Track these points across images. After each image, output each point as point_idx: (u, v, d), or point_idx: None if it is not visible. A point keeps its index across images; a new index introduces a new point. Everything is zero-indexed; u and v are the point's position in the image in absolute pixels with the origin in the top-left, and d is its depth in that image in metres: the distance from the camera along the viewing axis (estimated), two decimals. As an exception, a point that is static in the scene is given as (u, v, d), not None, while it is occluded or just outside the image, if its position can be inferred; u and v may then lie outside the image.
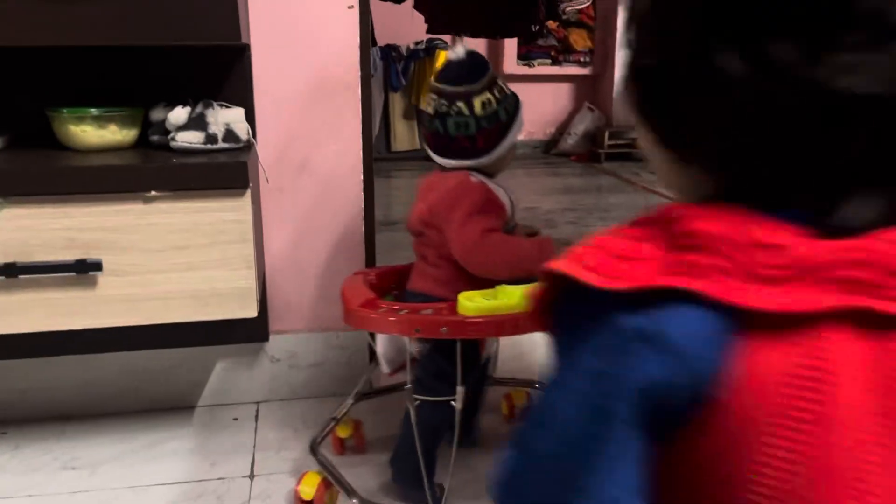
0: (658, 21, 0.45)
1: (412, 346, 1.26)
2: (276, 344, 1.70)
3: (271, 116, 1.58)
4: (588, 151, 5.60)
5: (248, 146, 1.40)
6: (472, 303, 1.14)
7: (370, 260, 1.76)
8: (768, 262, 0.40)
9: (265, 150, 1.59)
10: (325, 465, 1.38)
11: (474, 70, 1.31)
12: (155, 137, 1.35)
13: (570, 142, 5.68)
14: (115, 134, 1.34)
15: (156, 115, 1.37)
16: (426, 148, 1.38)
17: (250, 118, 1.51)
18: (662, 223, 0.43)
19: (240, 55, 1.48)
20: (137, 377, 1.65)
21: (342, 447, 1.53)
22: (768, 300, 0.39)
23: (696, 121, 0.43)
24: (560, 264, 0.43)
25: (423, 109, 1.38)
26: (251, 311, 1.32)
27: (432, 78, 1.35)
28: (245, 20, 1.45)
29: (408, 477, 1.35)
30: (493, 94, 1.31)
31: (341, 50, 1.59)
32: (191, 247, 1.27)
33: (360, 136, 1.66)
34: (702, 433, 0.40)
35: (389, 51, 5.14)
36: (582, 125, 5.66)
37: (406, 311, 1.17)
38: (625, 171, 5.09)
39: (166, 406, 1.68)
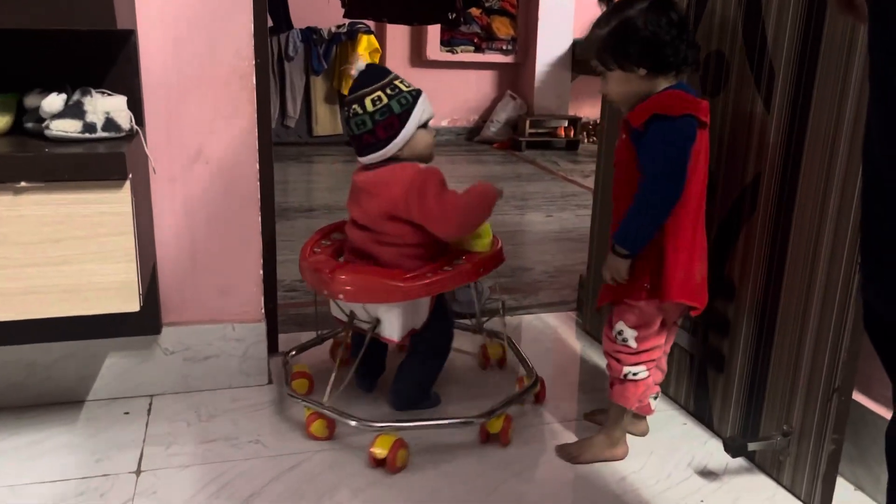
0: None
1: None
2: (170, 336, 1.67)
3: (161, 104, 1.54)
4: (510, 139, 5.65)
5: (132, 135, 1.36)
6: (482, 239, 1.61)
7: (269, 250, 1.74)
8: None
9: (155, 139, 1.55)
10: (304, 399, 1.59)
11: (370, 77, 1.51)
12: (29, 125, 1.30)
13: (492, 129, 5.72)
14: (-14, 121, 1.28)
15: (30, 101, 1.32)
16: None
17: (138, 106, 1.47)
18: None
19: (125, 41, 1.43)
20: (22, 371, 1.59)
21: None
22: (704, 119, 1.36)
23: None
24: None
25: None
26: (133, 306, 1.29)
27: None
28: (129, 4, 1.41)
29: (411, 400, 1.64)
30: (385, 92, 1.49)
31: (236, 36, 1.56)
32: (66, 239, 1.23)
33: (256, 124, 1.63)
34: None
35: (310, 33, 5.06)
36: (504, 113, 5.71)
37: (448, 267, 1.52)
38: (544, 160, 5.16)
39: (54, 401, 1.63)
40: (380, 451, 1.42)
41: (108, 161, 1.22)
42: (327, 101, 5.26)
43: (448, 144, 5.61)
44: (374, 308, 1.53)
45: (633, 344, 1.43)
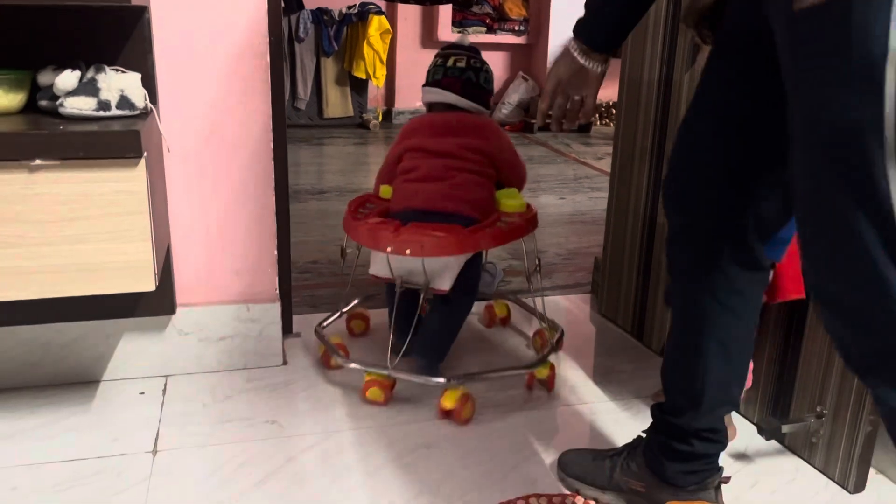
0: None
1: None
2: (185, 317, 1.66)
3: (174, 82, 1.53)
4: (521, 121, 5.61)
5: (146, 113, 1.35)
6: (518, 201, 1.72)
7: (283, 231, 1.73)
8: None
9: (169, 117, 1.54)
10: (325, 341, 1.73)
11: (479, 55, 1.82)
12: (43, 103, 1.29)
13: (504, 111, 5.67)
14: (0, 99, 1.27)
15: (44, 78, 1.30)
16: (444, 92, 1.75)
17: (151, 84, 1.46)
18: None
19: (138, 17, 1.42)
20: (38, 350, 1.59)
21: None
22: None
23: None
24: None
25: (445, 64, 1.78)
26: (148, 285, 1.28)
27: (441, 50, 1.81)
28: (142, -20, 1.39)
29: (442, 349, 1.71)
30: (489, 71, 1.83)
31: (249, 14, 1.54)
32: (81, 218, 1.22)
33: (270, 103, 1.61)
34: None
35: (321, 14, 5.02)
36: (516, 95, 5.66)
37: (502, 223, 1.65)
38: (556, 143, 5.13)
39: (70, 381, 1.63)
40: (448, 403, 1.52)
41: (124, 139, 1.20)
42: (338, 82, 5.23)
43: (459, 126, 5.56)
44: (432, 262, 1.57)
45: None
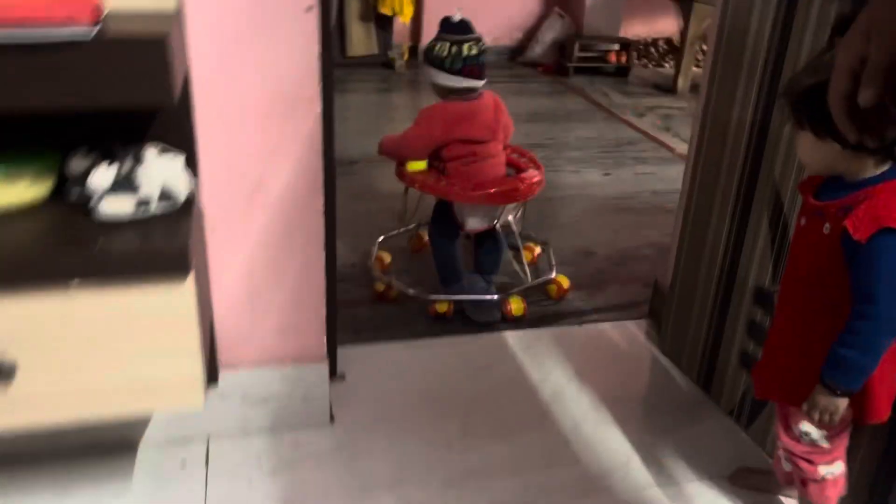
0: None
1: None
2: (227, 378, 1.55)
3: (216, 138, 1.35)
4: (556, 62, 5.31)
5: (190, 201, 1.18)
6: (417, 165, 2.11)
7: (331, 286, 1.58)
8: None
9: (210, 176, 1.37)
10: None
11: (471, 29, 2.07)
12: (74, 196, 1.12)
13: (537, 50, 5.37)
14: (25, 191, 1.11)
15: (74, 166, 1.14)
16: (467, 80, 2.04)
17: (190, 146, 1.29)
18: None
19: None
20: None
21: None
22: None
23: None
24: None
25: (461, 53, 2.03)
26: (197, 402, 1.16)
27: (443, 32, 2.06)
28: (182, 60, 1.19)
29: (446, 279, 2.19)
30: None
31: (295, 59, 1.35)
32: (123, 338, 1.08)
33: (321, 153, 1.44)
34: None
35: (346, -54, 4.68)
36: (551, 33, 5.34)
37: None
38: (593, 90, 4.86)
39: (108, 443, 1.53)
40: (517, 306, 2.12)
41: (170, 256, 1.05)
42: (363, 18, 4.93)
43: (489, 66, 5.27)
44: (504, 207, 2.15)
45: (824, 444, 1.25)
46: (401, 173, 2.12)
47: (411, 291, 2.15)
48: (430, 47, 2.06)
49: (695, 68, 4.88)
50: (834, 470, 1.29)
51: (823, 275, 1.16)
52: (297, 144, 1.41)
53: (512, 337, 2.03)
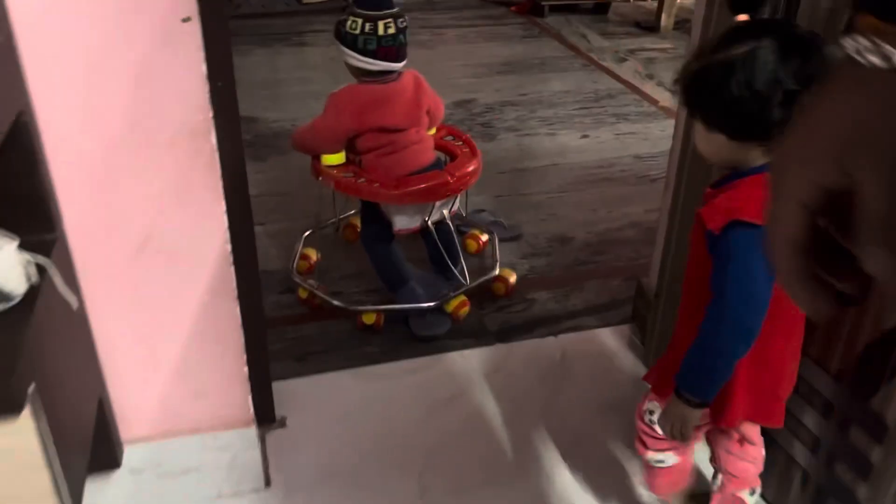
0: None
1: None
2: (136, 453, 1.32)
3: (82, 189, 1.08)
4: (530, 1, 4.92)
5: (34, 289, 0.92)
6: (335, 158, 1.85)
7: (258, 345, 1.33)
8: None
9: (82, 232, 1.10)
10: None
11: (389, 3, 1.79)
12: None
13: (509, -13, 4.97)
14: None
15: None
16: (381, 62, 1.78)
17: (44, 204, 1.02)
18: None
19: (21, 129, 0.95)
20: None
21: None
22: None
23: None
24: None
25: (376, 32, 1.75)
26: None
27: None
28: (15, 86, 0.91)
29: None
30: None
31: (179, 88, 1.06)
32: (-51, 490, 0.84)
33: (221, 190, 1.17)
34: None
35: None
36: (524, -33, 4.93)
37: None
38: (570, 32, 4.50)
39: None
40: (459, 307, 1.90)
41: (-8, 391, 0.80)
42: (318, -40, 4.51)
43: (459, 8, 4.90)
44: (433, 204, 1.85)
45: (660, 430, 1.19)
46: (316, 170, 1.84)
47: (336, 302, 1.88)
48: (342, 21, 1.79)
49: (679, 1, 4.53)
50: (663, 459, 1.26)
51: (701, 269, 1.07)
52: (191, 186, 1.14)
53: (478, 356, 1.79)
